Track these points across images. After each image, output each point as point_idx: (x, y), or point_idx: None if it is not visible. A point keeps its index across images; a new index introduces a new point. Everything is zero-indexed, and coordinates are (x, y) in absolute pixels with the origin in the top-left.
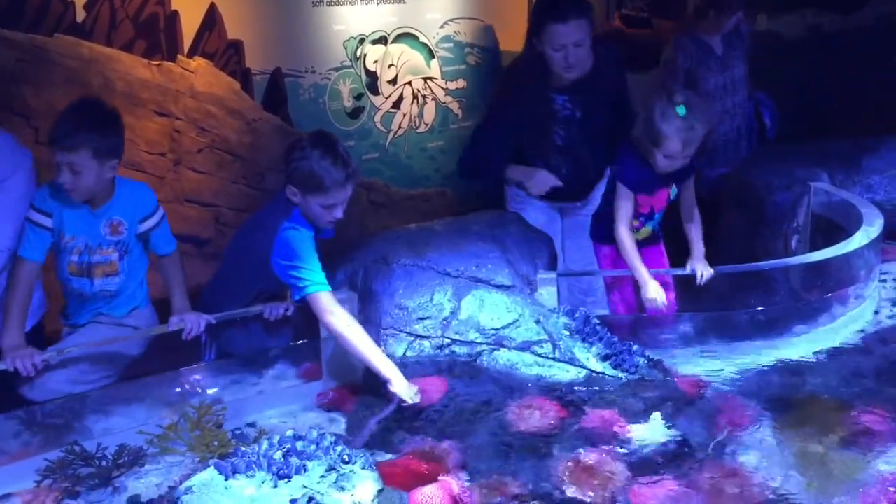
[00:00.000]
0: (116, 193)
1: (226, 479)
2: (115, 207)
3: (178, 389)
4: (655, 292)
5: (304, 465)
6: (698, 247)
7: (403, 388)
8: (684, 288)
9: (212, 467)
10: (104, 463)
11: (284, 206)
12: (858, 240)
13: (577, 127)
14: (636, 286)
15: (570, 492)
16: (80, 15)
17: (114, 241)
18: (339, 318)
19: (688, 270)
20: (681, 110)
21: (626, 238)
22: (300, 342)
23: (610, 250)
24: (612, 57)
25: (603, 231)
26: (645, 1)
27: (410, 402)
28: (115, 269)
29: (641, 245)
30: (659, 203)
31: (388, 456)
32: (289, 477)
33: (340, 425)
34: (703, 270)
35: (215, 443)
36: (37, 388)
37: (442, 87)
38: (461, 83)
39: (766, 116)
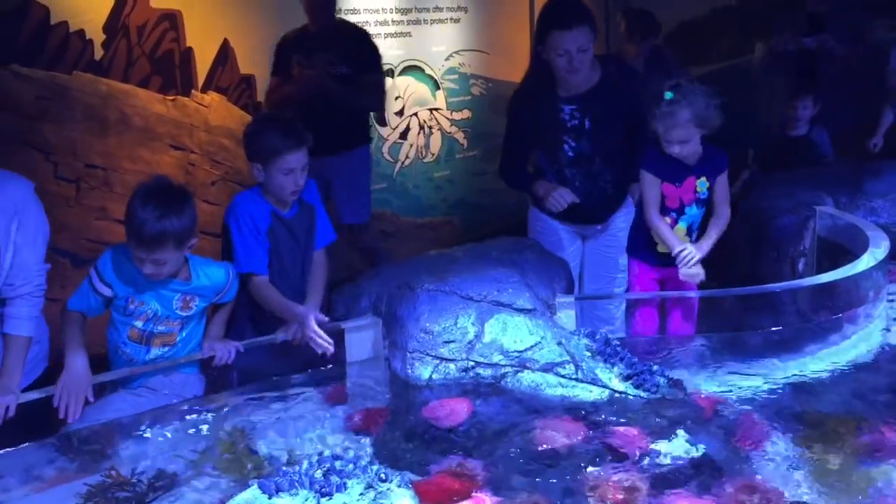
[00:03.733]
0: (196, 274)
1: (269, 498)
2: (192, 286)
3: (208, 414)
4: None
5: (344, 484)
6: (706, 239)
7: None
8: (703, 310)
9: (255, 486)
10: (139, 488)
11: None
12: (866, 261)
13: (588, 138)
14: (659, 308)
15: None
16: (98, 52)
17: (183, 315)
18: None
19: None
20: (668, 95)
21: (658, 220)
22: (326, 366)
23: (641, 267)
24: (625, 72)
25: (637, 244)
26: None
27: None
28: (174, 339)
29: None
30: (687, 195)
31: (417, 476)
32: (330, 495)
33: (368, 447)
34: (691, 252)
35: (249, 466)
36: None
37: (447, 118)
38: (466, 113)
39: None
